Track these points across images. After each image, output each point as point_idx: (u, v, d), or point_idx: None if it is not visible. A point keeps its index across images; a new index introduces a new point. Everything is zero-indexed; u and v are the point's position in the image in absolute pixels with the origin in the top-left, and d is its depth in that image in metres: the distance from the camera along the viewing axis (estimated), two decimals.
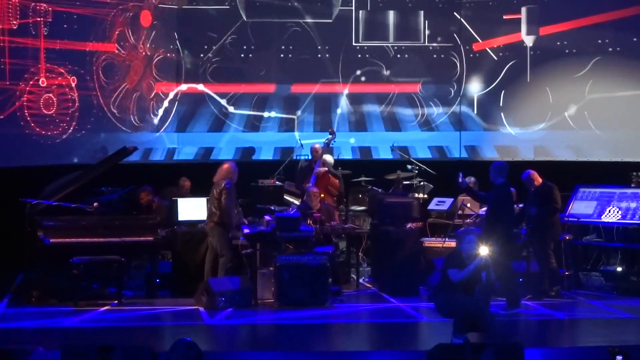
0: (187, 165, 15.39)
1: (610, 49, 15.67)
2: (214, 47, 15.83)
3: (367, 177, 14.32)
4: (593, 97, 15.70)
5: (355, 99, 16.11)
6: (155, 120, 15.59)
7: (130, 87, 15.32)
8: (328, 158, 14.01)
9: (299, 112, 15.93)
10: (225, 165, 11.97)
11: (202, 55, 15.84)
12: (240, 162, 14.12)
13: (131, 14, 15.25)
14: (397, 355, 9.05)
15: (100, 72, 14.96)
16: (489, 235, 10.26)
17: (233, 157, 15.30)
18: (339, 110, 16.05)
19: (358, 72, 16.07)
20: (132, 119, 15.35)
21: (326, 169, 13.48)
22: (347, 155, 15.80)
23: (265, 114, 15.90)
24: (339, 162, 14.53)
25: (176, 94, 15.73)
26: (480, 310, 9.34)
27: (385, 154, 15.66)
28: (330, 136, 13.83)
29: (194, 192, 13.57)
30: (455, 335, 9.12)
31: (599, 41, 15.69)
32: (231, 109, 15.81)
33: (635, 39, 15.54)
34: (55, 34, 14.38)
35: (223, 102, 15.84)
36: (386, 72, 16.09)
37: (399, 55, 16.13)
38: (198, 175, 13.56)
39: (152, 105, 15.57)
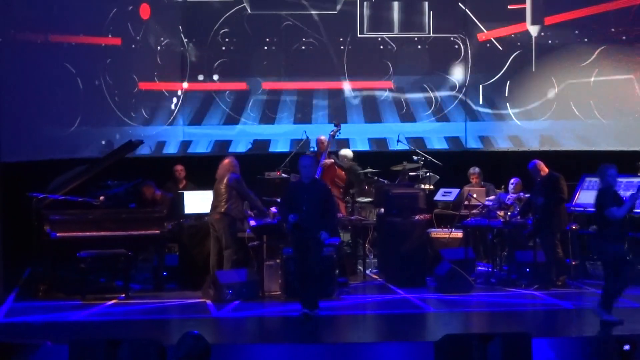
0: (186, 158, 15.38)
1: (616, 38, 15.63)
2: (218, 40, 15.80)
3: (373, 168, 14.29)
4: (599, 86, 15.67)
5: (359, 90, 16.07)
6: (159, 114, 15.58)
7: (134, 82, 15.33)
8: (347, 152, 14.02)
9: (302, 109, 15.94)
10: (226, 160, 12.02)
11: (205, 49, 15.81)
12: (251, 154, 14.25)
13: (132, 7, 15.23)
14: (405, 346, 9.06)
15: (104, 66, 14.97)
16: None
17: (246, 150, 15.34)
18: (342, 102, 16.04)
19: (362, 64, 16.03)
20: (138, 113, 15.35)
21: (332, 160, 13.46)
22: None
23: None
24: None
25: (182, 88, 15.71)
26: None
27: (392, 145, 15.61)
28: (335, 128, 13.80)
29: (194, 182, 13.66)
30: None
31: (604, 30, 15.66)
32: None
33: None
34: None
35: (227, 98, 15.86)
36: (390, 64, 16.04)
37: (403, 47, 16.07)
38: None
39: (162, 99, 15.58)
